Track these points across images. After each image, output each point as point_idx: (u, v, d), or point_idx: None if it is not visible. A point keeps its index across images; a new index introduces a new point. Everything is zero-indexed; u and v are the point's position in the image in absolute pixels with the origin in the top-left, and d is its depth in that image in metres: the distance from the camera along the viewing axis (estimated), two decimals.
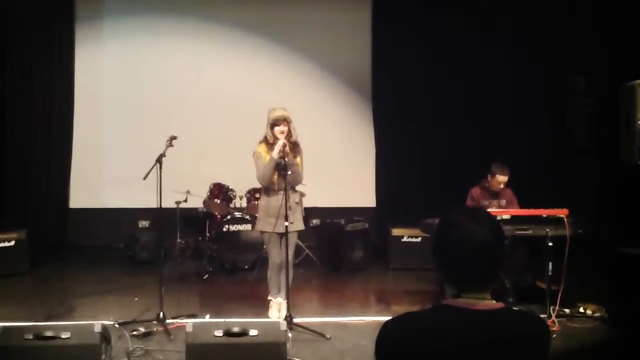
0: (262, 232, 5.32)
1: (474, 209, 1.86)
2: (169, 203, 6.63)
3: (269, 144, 5.11)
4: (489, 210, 5.73)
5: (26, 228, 7.14)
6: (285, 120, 5.07)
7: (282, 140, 5.00)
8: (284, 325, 3.79)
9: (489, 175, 6.05)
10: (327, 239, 7.75)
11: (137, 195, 7.15)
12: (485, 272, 1.73)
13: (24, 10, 8.07)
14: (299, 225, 5.29)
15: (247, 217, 7.17)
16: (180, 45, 8.63)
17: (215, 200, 7.36)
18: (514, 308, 1.86)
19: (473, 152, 7.82)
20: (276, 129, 5.05)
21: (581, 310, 5.33)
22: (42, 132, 8.25)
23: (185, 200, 7.45)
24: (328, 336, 4.74)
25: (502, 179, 5.99)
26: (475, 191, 6.16)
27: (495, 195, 6.10)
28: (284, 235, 5.04)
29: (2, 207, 8.01)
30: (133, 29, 8.65)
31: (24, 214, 8.03)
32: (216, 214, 7.42)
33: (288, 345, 3.75)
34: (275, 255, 5.24)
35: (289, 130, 5.09)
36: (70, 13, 8.44)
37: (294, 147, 5.14)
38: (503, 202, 6.09)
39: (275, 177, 5.11)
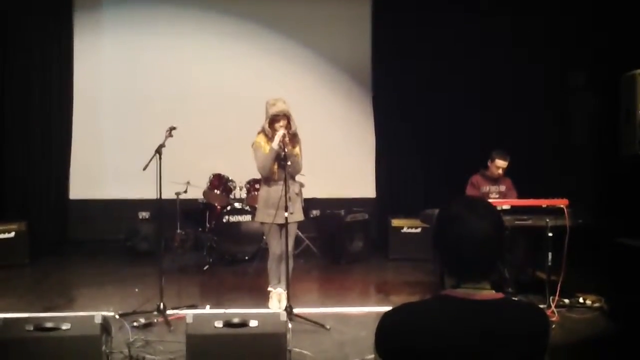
0: (261, 223, 5.32)
1: (474, 200, 1.85)
2: (168, 194, 6.62)
3: (268, 137, 5.10)
4: (488, 198, 5.78)
5: (26, 219, 7.17)
6: (284, 116, 5.05)
7: (281, 131, 4.98)
8: (284, 316, 3.79)
9: (489, 161, 6.10)
10: (327, 229, 7.76)
11: (137, 186, 7.15)
12: (485, 263, 1.73)
13: (23, 2, 8.03)
14: (299, 216, 5.29)
15: (247, 208, 7.18)
16: (179, 38, 8.60)
17: (215, 191, 7.36)
18: (514, 298, 1.87)
19: (472, 143, 7.81)
20: (276, 125, 5.04)
21: (580, 300, 5.35)
22: (42, 124, 8.23)
23: (185, 191, 7.43)
24: (328, 327, 4.76)
25: (501, 164, 6.02)
26: (476, 178, 6.21)
27: (494, 181, 6.15)
28: (284, 226, 5.04)
29: (2, 198, 8.01)
30: (132, 21, 8.62)
31: (24, 206, 8.03)
32: (216, 204, 7.42)
33: (288, 336, 3.75)
34: (275, 246, 5.24)
35: (288, 123, 5.08)
36: (69, 5, 8.41)
37: (293, 137, 5.13)
38: (502, 187, 6.14)
39: (275, 167, 5.10)
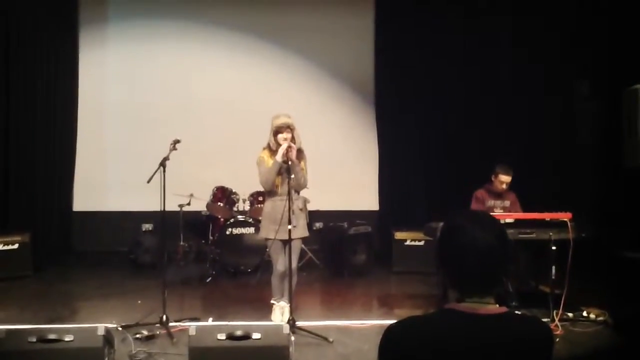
0: (265, 239, 5.31)
1: (478, 213, 1.86)
2: (172, 206, 6.62)
3: (272, 151, 5.11)
4: (493, 212, 5.77)
5: (30, 231, 7.18)
6: (288, 128, 5.06)
7: (285, 143, 4.99)
8: (286, 329, 3.79)
9: (493, 176, 6.08)
10: (330, 242, 7.74)
11: (141, 198, 7.16)
12: (489, 277, 1.73)
13: (28, 15, 8.09)
14: (303, 232, 5.27)
15: (250, 220, 7.18)
16: (184, 51, 8.67)
17: (219, 203, 7.37)
18: (517, 312, 1.86)
19: (476, 155, 7.82)
20: (279, 136, 5.05)
21: (584, 314, 5.32)
22: (46, 136, 8.23)
23: (189, 204, 7.45)
24: (331, 340, 4.74)
25: (505, 178, 6.01)
26: (480, 193, 6.18)
27: (499, 196, 6.14)
28: (288, 242, 5.02)
29: (6, 210, 8.01)
30: (137, 33, 8.69)
31: (28, 217, 8.01)
32: (219, 217, 7.42)
33: (291, 349, 3.74)
34: (279, 262, 5.20)
35: (292, 137, 5.08)
36: (75, 17, 8.49)
37: (298, 153, 5.12)
38: (507, 202, 6.12)
39: (279, 180, 5.10)
